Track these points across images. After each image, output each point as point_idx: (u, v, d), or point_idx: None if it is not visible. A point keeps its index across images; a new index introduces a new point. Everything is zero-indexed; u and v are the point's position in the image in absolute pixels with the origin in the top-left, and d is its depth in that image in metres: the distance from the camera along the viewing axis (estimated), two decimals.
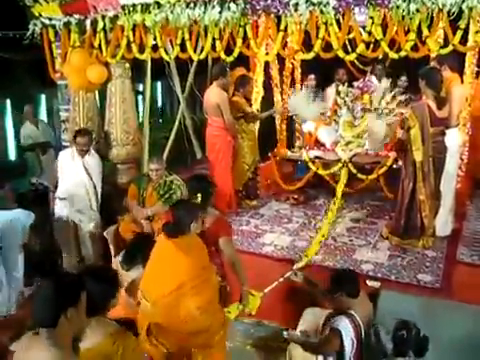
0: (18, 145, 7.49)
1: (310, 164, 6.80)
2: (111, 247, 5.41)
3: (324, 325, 3.73)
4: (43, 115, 10.47)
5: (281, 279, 4.47)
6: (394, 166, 6.31)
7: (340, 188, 6.24)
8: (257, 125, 7.34)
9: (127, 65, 6.24)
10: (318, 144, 7.11)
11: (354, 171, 6.39)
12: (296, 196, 7.04)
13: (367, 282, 4.72)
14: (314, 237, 5.68)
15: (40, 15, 5.88)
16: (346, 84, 6.93)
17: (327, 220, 5.93)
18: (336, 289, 3.65)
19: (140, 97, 10.89)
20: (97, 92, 6.71)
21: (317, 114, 6.94)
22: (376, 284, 4.69)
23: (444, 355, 3.92)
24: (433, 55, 5.69)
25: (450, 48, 4.55)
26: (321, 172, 6.74)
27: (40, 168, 7.56)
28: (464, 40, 4.80)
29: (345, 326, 3.49)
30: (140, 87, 9.89)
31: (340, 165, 6.45)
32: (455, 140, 5.40)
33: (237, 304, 4.02)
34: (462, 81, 5.83)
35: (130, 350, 2.71)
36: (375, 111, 6.41)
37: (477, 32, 4.50)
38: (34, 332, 2.24)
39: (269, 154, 7.69)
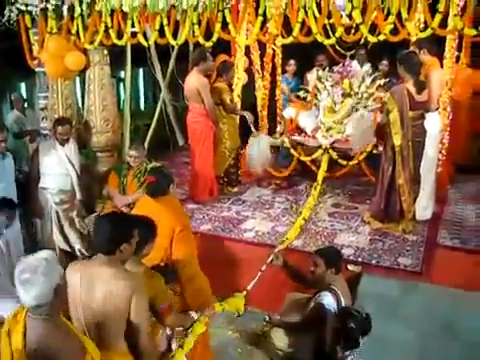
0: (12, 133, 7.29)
1: (292, 150, 6.79)
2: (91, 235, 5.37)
3: (307, 304, 3.77)
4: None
5: (263, 267, 4.42)
6: (374, 151, 6.32)
7: (321, 174, 6.26)
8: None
9: (105, 51, 6.16)
10: (299, 130, 7.09)
11: (335, 157, 6.40)
12: (278, 181, 7.03)
13: (348, 266, 4.74)
14: (295, 221, 5.69)
15: (16, 1, 5.77)
16: (326, 69, 6.92)
17: (308, 205, 5.96)
18: (321, 261, 3.73)
19: (122, 84, 10.79)
20: (77, 79, 6.63)
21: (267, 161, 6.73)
22: (357, 268, 4.71)
23: (424, 337, 3.97)
24: (413, 39, 5.69)
25: (429, 32, 4.55)
26: (303, 158, 6.74)
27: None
28: (444, 24, 4.81)
29: (329, 300, 3.54)
30: (122, 74, 9.77)
31: (321, 151, 6.47)
32: (435, 124, 5.41)
33: (219, 303, 3.99)
34: (442, 65, 5.83)
35: (160, 290, 3.27)
36: (355, 96, 6.41)
37: (456, 16, 4.47)
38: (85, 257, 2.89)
39: None
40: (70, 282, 2.70)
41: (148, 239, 3.25)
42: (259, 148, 6.56)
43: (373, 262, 4.87)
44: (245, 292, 4.18)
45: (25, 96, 9.69)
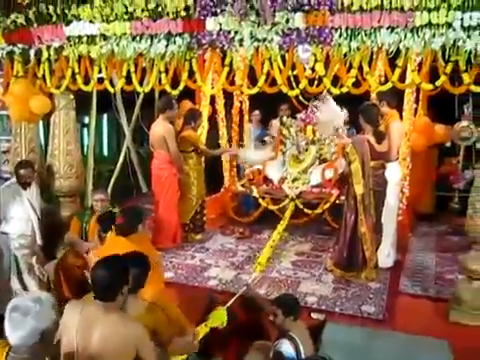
0: None
1: (260, 200, 6.90)
2: (51, 282, 5.24)
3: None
4: None
5: (241, 291, 4.59)
6: (337, 201, 6.43)
7: (288, 214, 6.43)
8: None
9: (71, 96, 6.16)
10: (266, 181, 7.20)
11: (301, 206, 6.52)
12: (241, 230, 7.08)
13: (312, 315, 4.74)
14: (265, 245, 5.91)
15: None
16: (290, 117, 7.12)
17: (277, 230, 6.12)
18: (278, 310, 3.72)
19: (85, 130, 10.74)
20: (41, 123, 6.58)
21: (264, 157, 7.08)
22: (321, 316, 4.71)
23: None
24: (374, 92, 5.90)
25: (389, 85, 4.74)
26: (271, 207, 6.84)
27: None
28: (403, 78, 5.02)
29: (286, 349, 3.51)
30: (85, 119, 9.76)
31: (288, 201, 6.59)
32: (395, 174, 5.57)
33: (203, 324, 4.04)
34: (401, 117, 6.05)
35: (161, 322, 3.34)
36: (318, 142, 6.60)
37: (413, 71, 4.67)
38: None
39: (221, 188, 7.91)
40: (67, 322, 2.73)
41: (145, 272, 3.36)
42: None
43: (337, 310, 4.87)
44: (225, 307, 4.21)
45: None
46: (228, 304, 4.31)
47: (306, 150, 6.77)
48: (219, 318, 4.11)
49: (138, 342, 2.77)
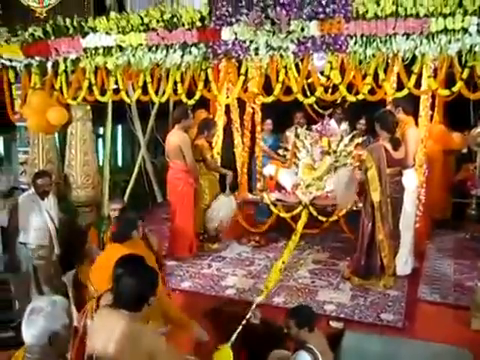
0: None
1: (272, 207, 6.85)
2: (70, 293, 5.26)
3: None
4: None
5: (244, 322, 4.36)
6: (354, 208, 6.38)
7: (301, 224, 6.29)
8: None
9: (88, 107, 6.23)
10: (279, 187, 7.17)
11: (315, 213, 6.46)
12: (257, 239, 7.04)
13: (330, 323, 4.71)
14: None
15: (0, 56, 5.86)
16: (305, 127, 7.08)
17: (288, 248, 5.94)
18: (291, 322, 3.69)
19: (100, 140, 10.82)
20: (57, 134, 6.65)
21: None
22: (339, 325, 4.68)
23: None
24: (389, 99, 5.90)
25: (405, 92, 4.73)
26: (283, 215, 6.78)
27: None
28: (418, 85, 5.01)
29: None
30: (100, 130, 9.83)
31: (301, 208, 6.52)
32: (412, 180, 5.54)
33: None
34: (417, 124, 6.03)
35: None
36: (334, 154, 6.55)
37: (429, 77, 4.67)
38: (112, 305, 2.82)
39: None
40: (92, 326, 2.89)
41: None
42: (227, 209, 6.61)
43: (355, 318, 4.83)
44: (230, 343, 4.07)
45: (2, 150, 9.63)
46: (232, 339, 4.14)
47: (321, 160, 6.72)
48: (226, 356, 3.99)
49: (154, 354, 2.75)
